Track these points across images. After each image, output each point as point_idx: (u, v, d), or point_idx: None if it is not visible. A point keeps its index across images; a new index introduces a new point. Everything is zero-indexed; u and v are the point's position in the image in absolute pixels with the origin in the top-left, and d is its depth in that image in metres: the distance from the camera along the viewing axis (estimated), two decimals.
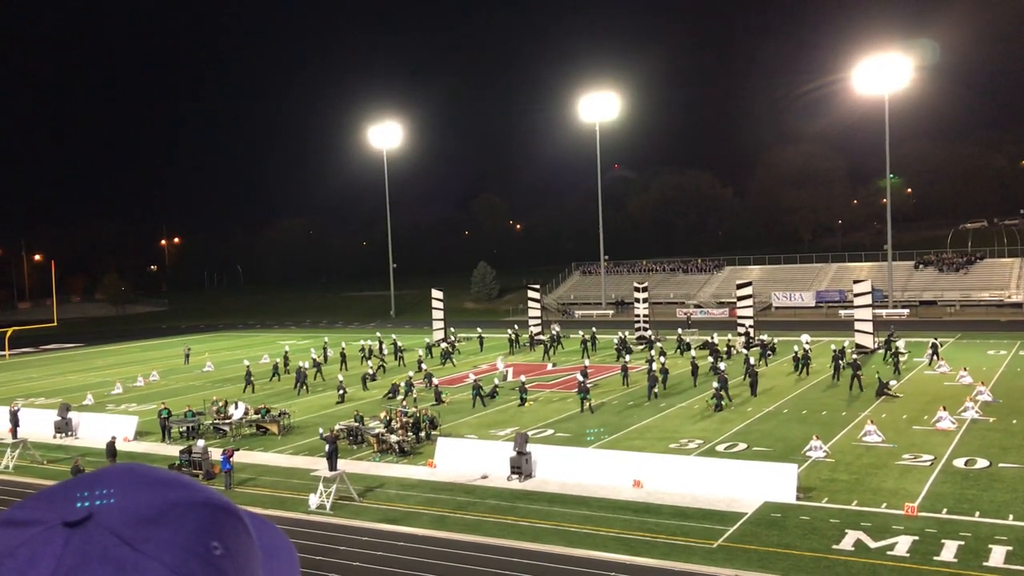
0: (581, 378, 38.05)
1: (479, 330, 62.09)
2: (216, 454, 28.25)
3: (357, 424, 31.60)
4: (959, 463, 25.65)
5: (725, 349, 49.84)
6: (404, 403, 35.25)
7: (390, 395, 40.44)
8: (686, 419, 33.72)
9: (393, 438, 29.74)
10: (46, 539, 1.00)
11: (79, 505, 1.04)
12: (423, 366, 46.38)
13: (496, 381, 41.56)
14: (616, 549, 20.03)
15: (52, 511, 1.03)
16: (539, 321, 63.79)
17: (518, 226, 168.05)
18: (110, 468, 1.11)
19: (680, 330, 59.32)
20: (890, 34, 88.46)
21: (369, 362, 50.83)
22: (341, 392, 40.92)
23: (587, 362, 45.90)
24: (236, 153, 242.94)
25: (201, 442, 29.00)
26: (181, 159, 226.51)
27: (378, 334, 63.30)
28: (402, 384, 40.63)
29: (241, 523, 1.11)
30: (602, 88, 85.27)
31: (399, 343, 55.06)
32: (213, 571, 1.03)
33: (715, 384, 35.56)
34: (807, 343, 45.13)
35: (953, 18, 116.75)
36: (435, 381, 40.49)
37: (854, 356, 41.19)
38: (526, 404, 37.39)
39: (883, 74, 69.95)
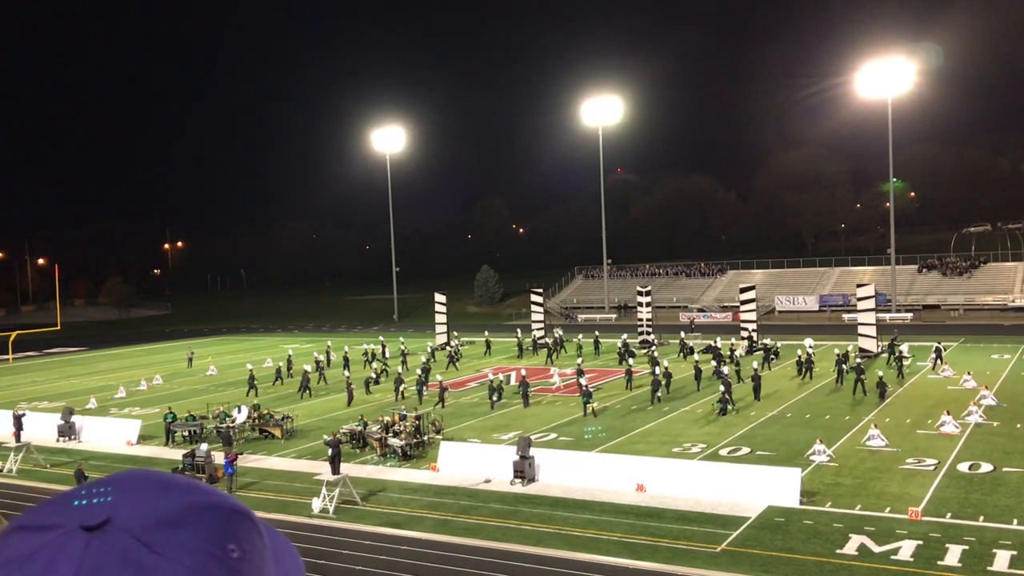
0: (584, 382, 38.05)
1: (486, 333, 61.95)
2: (219, 458, 28.26)
3: (360, 428, 31.63)
4: (963, 467, 25.59)
5: (728, 353, 49.80)
6: (403, 407, 35.30)
7: (398, 388, 41.18)
8: (689, 423, 33.68)
9: (395, 442, 29.74)
10: (65, 543, 0.99)
11: (97, 501, 1.05)
12: (424, 368, 46.29)
13: (502, 383, 41.38)
14: (619, 553, 19.99)
15: (70, 515, 1.03)
16: (542, 325, 63.75)
17: (521, 230, 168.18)
18: (124, 473, 1.12)
19: (683, 334, 59.30)
20: (893, 38, 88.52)
21: (373, 364, 50.84)
22: (350, 391, 40.80)
23: (579, 361, 45.79)
24: (240, 157, 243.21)
25: (204, 446, 29.03)
26: (185, 162, 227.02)
27: (381, 338, 63.31)
28: (402, 387, 40.90)
29: (255, 526, 1.12)
30: (605, 92, 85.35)
31: (405, 348, 55.25)
32: (231, 573, 1.03)
33: (721, 387, 35.54)
34: (810, 347, 45.05)
35: (956, 22, 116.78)
36: (444, 384, 40.41)
37: (858, 360, 41.13)
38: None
39: (886, 78, 69.94)
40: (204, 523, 1.05)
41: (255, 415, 34.81)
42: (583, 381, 38.47)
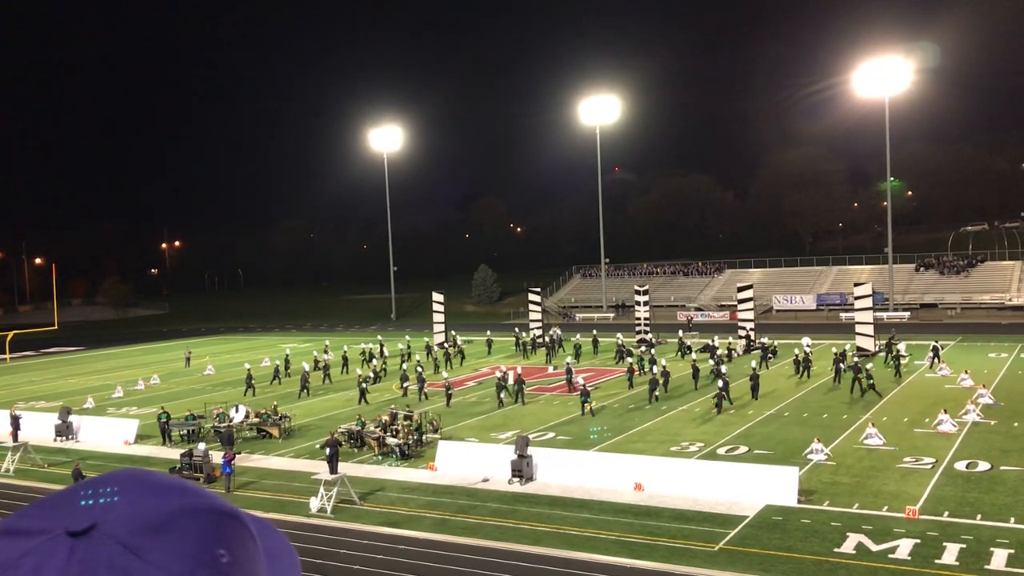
0: (581, 380, 38.06)
1: (488, 333, 61.87)
2: (217, 457, 28.26)
3: (358, 427, 31.62)
4: (960, 466, 25.62)
5: (726, 352, 49.82)
6: (394, 406, 35.34)
7: (403, 383, 41.67)
8: (687, 422, 33.69)
9: (393, 441, 29.73)
10: (50, 549, 0.98)
11: (83, 504, 1.03)
12: (421, 368, 46.25)
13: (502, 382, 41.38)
14: (617, 552, 20.00)
15: (56, 520, 1.01)
16: (539, 324, 63.70)
17: (519, 229, 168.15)
18: (113, 474, 1.10)
19: (681, 333, 59.33)
20: (891, 37, 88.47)
21: (372, 363, 50.81)
22: (363, 388, 40.71)
23: (569, 360, 45.82)
24: (237, 156, 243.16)
25: (202, 445, 29.01)
26: (182, 162, 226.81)
27: (379, 337, 63.26)
28: (406, 384, 41.01)
29: (247, 529, 1.10)
30: (603, 91, 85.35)
31: (408, 348, 55.34)
32: None
33: (719, 384, 35.57)
34: (808, 346, 45.10)
35: (954, 21, 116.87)
36: (449, 382, 40.29)
37: (855, 359, 41.17)
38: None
39: (884, 77, 69.98)
40: (193, 527, 1.03)
41: (270, 412, 34.90)
42: (580, 380, 38.51)
